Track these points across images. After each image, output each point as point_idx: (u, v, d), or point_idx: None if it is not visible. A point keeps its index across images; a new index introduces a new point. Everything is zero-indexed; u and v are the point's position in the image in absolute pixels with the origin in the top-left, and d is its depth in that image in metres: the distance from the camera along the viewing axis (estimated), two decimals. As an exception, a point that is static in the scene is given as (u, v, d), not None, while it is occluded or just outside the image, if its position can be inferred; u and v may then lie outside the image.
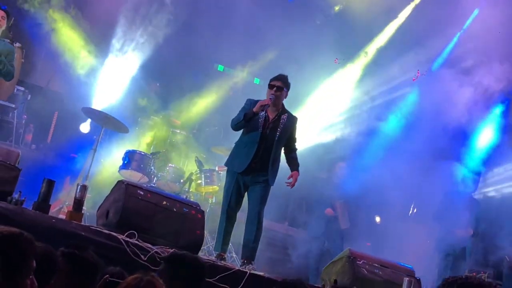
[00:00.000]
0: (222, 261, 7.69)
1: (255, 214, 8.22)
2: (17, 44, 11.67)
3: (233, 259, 10.33)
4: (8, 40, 10.75)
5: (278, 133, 8.27)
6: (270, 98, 8.19)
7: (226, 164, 8.52)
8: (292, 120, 8.42)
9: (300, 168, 8.42)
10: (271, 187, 8.38)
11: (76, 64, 12.48)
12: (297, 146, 8.58)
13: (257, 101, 8.34)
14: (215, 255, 8.15)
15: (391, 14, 13.62)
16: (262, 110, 8.16)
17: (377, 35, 13.62)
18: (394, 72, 13.10)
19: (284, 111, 8.39)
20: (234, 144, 8.52)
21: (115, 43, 12.45)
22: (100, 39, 12.63)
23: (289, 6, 13.07)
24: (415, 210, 12.16)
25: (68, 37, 12.51)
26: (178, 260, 4.63)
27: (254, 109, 8.11)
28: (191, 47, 12.92)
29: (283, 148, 8.45)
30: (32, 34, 12.35)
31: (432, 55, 12.93)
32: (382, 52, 13.45)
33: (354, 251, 8.30)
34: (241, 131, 8.43)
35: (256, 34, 12.72)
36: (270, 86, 8.31)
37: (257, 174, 8.23)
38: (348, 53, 13.40)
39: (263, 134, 8.22)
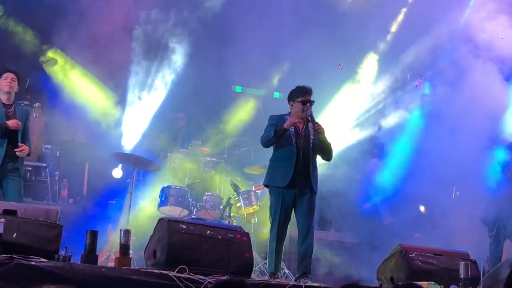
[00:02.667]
0: (276, 279, 7.67)
1: (307, 227, 8.25)
2: (37, 104, 11.83)
3: (286, 274, 10.28)
4: (27, 102, 10.91)
5: (311, 142, 8.31)
6: (308, 115, 8.24)
7: (267, 182, 8.48)
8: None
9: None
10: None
11: (98, 111, 12.59)
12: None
13: (280, 116, 8.37)
14: (268, 274, 8.11)
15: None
16: (292, 126, 8.18)
17: (390, 24, 13.51)
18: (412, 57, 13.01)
19: (308, 119, 8.40)
20: (270, 162, 8.52)
21: (132, 85, 12.54)
22: (116, 82, 12.73)
23: (296, 13, 13.01)
24: (457, 193, 12.02)
25: (84, 87, 12.64)
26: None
27: (285, 126, 8.13)
28: (204, 76, 12.98)
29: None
30: (50, 91, 12.47)
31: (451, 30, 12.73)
32: (398, 39, 13.33)
33: (405, 245, 8.24)
34: (272, 148, 8.43)
35: (266, 48, 12.70)
36: (303, 102, 8.29)
37: (302, 186, 8.25)
38: (364, 47, 13.31)
39: (298, 145, 8.22)
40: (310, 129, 8.37)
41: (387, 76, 13.28)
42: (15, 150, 8.77)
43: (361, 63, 13.34)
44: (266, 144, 8.37)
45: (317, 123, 8.27)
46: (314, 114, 8.41)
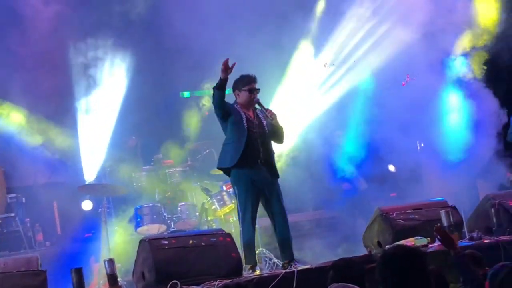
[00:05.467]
0: (266, 272, 7.70)
1: (283, 214, 8.24)
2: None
3: (276, 264, 10.28)
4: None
5: (266, 129, 8.29)
6: (256, 102, 8.27)
7: (217, 165, 8.52)
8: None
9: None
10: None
11: (52, 149, 12.48)
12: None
13: (233, 104, 8.35)
14: (247, 268, 8.06)
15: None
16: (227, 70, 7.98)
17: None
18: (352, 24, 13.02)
19: (256, 107, 8.39)
20: (222, 146, 8.46)
21: (79, 114, 12.45)
22: (63, 114, 12.60)
23: (225, 7, 12.96)
24: (422, 144, 12.18)
25: (32, 127, 12.51)
26: None
27: (222, 76, 7.96)
28: (150, 90, 12.94)
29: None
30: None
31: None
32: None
33: (383, 207, 8.38)
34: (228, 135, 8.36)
35: (204, 48, 12.64)
36: (250, 91, 8.25)
37: (268, 173, 8.24)
38: (298, 29, 13.30)
39: (255, 134, 8.20)
40: (261, 116, 8.34)
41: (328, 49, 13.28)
42: None
43: (298, 45, 13.29)
44: (215, 102, 8.19)
45: (267, 109, 8.26)
46: (264, 100, 8.43)
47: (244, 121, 8.20)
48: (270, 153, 8.32)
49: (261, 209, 8.42)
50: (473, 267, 5.47)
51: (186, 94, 14.27)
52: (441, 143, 10.97)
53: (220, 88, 8.02)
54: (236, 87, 8.40)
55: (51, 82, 12.06)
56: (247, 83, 8.29)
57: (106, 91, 12.55)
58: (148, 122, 12.96)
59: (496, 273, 4.21)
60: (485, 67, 11.48)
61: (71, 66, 12.37)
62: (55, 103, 12.45)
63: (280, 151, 11.06)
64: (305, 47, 13.27)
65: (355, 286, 4.42)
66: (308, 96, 13.13)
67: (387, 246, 7.50)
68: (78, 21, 12.18)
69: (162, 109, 13.44)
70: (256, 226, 8.98)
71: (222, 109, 8.19)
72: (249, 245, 8.11)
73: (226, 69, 7.90)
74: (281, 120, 8.43)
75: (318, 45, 13.21)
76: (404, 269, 3.72)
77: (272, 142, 8.45)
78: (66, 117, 12.58)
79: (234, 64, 7.96)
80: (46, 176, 13.20)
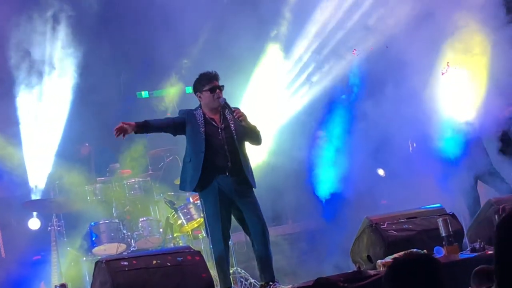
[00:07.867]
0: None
1: (261, 227, 8.16)
2: None
3: (253, 284, 10.21)
4: None
5: (234, 132, 8.17)
6: (222, 103, 8.14)
7: (180, 188, 8.82)
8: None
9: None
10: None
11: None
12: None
13: (189, 110, 8.26)
14: None
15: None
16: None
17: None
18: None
19: (223, 107, 8.23)
20: (184, 163, 8.51)
21: (22, 121, 12.26)
22: (2, 122, 12.42)
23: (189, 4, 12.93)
24: (414, 145, 12.15)
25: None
26: None
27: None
28: (104, 91, 12.81)
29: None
30: None
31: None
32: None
33: (373, 217, 8.30)
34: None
35: (165, 44, 12.59)
36: (212, 90, 8.12)
37: (239, 183, 8.13)
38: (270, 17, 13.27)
39: (221, 141, 8.11)
40: (228, 118, 8.20)
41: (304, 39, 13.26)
42: None
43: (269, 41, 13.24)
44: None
45: (235, 109, 8.13)
46: (233, 101, 8.35)
47: (202, 131, 8.11)
48: (241, 161, 8.16)
49: (233, 223, 8.34)
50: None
51: (144, 94, 14.12)
52: (437, 141, 10.91)
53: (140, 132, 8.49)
54: (197, 89, 8.32)
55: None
56: (208, 81, 8.19)
57: (52, 93, 12.38)
58: (103, 127, 12.78)
59: None
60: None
61: (11, 67, 12.20)
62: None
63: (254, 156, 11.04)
64: (276, 43, 13.25)
65: None
66: (283, 94, 13.14)
67: (379, 261, 7.44)
68: (19, 13, 12.02)
69: (118, 112, 13.28)
70: (230, 242, 8.92)
71: (169, 131, 8.51)
72: (221, 264, 8.08)
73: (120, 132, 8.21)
74: (254, 121, 8.34)
75: (291, 38, 13.20)
76: (418, 277, 3.67)
77: (249, 144, 8.37)
78: (8, 124, 12.39)
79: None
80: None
